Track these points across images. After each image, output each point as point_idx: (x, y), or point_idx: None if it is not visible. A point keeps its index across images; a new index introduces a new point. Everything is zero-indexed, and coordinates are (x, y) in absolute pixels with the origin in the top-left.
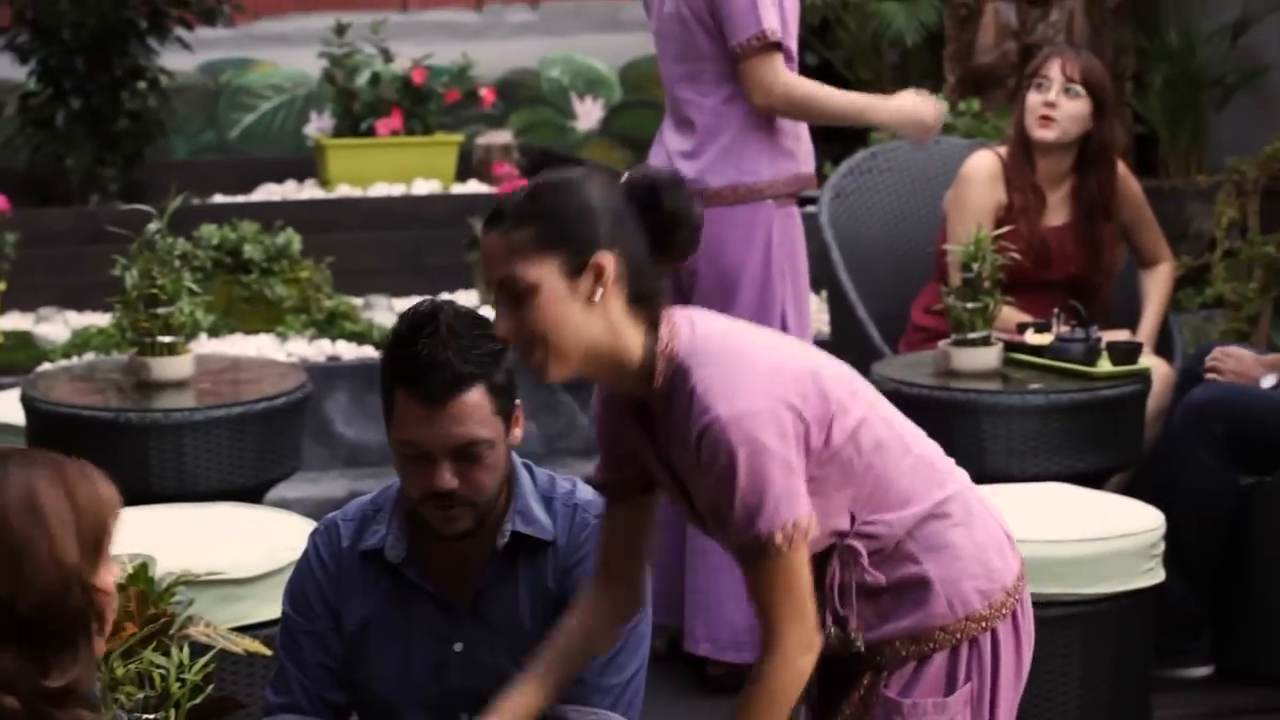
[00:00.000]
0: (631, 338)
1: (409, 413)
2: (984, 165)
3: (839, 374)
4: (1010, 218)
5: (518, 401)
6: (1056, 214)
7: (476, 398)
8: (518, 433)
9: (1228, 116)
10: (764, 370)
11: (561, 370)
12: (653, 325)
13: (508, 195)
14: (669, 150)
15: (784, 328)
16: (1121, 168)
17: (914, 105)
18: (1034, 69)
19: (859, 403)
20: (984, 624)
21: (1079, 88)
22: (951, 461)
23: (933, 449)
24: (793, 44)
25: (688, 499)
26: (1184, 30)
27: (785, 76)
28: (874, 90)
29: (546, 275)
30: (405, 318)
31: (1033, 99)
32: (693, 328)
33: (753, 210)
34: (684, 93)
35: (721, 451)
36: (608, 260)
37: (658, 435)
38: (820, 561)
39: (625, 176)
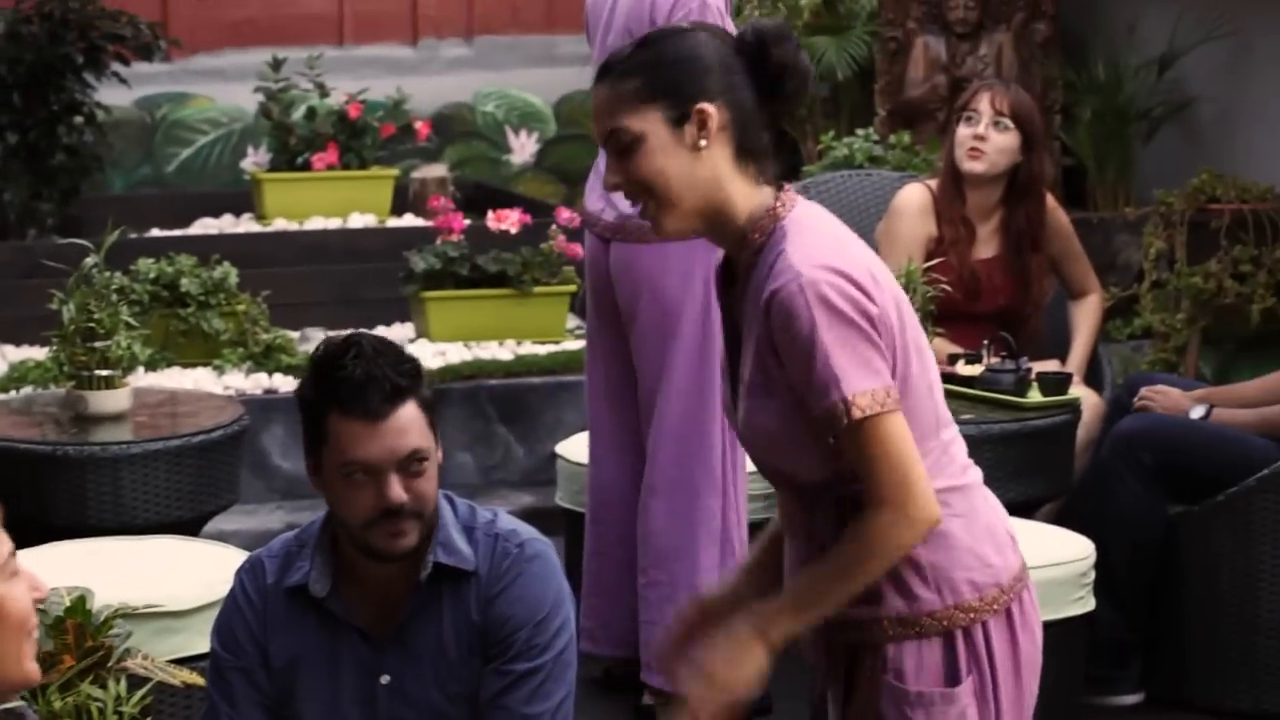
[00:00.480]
0: (738, 189)
1: (350, 433)
2: (915, 198)
3: (917, 327)
4: (940, 250)
5: (437, 419)
6: (986, 246)
7: (412, 410)
8: (439, 452)
9: (1155, 149)
10: (859, 258)
11: (674, 221)
12: (760, 181)
13: (619, 49)
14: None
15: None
16: (1050, 200)
17: None
18: (964, 102)
19: (922, 359)
20: (973, 615)
21: (1008, 121)
22: (970, 461)
23: (957, 442)
24: None
25: (730, 374)
26: (1111, 64)
27: None
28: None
29: (652, 125)
30: (322, 349)
31: (962, 132)
32: (809, 207)
33: (690, 247)
34: None
35: (798, 311)
36: (711, 109)
37: (734, 300)
38: (814, 501)
39: (738, 35)
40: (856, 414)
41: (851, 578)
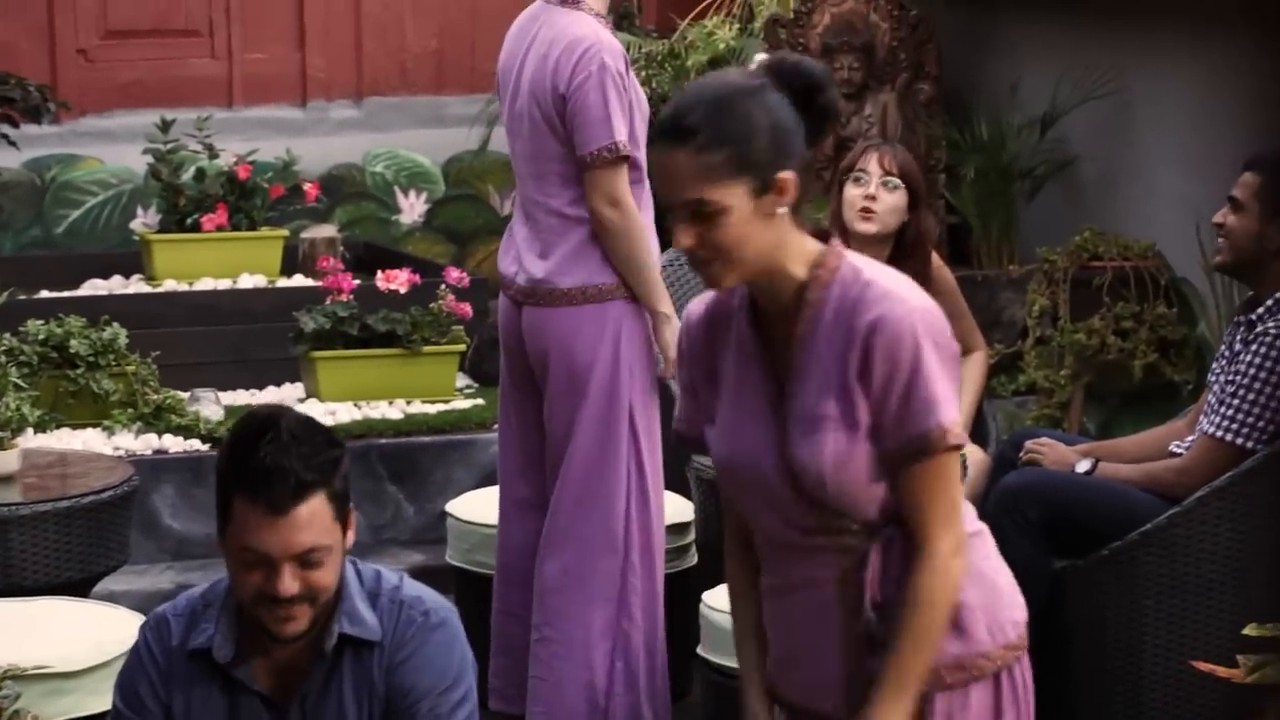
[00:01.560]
0: (795, 242)
1: (249, 520)
2: None
3: None
4: None
5: (350, 505)
6: None
7: (317, 505)
8: (351, 535)
9: (1038, 207)
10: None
11: (736, 278)
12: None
13: (685, 105)
14: (519, 244)
15: (631, 425)
16: (936, 259)
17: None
18: (851, 163)
19: None
20: (1016, 653)
21: (897, 180)
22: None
23: None
24: (641, 155)
25: (774, 413)
26: (994, 123)
27: (630, 198)
28: None
29: (738, 198)
30: (244, 423)
31: (852, 193)
32: (856, 254)
33: (602, 309)
34: (531, 190)
35: (904, 336)
36: (790, 176)
37: (777, 342)
38: (859, 551)
39: (778, 70)
40: (951, 440)
41: (932, 634)
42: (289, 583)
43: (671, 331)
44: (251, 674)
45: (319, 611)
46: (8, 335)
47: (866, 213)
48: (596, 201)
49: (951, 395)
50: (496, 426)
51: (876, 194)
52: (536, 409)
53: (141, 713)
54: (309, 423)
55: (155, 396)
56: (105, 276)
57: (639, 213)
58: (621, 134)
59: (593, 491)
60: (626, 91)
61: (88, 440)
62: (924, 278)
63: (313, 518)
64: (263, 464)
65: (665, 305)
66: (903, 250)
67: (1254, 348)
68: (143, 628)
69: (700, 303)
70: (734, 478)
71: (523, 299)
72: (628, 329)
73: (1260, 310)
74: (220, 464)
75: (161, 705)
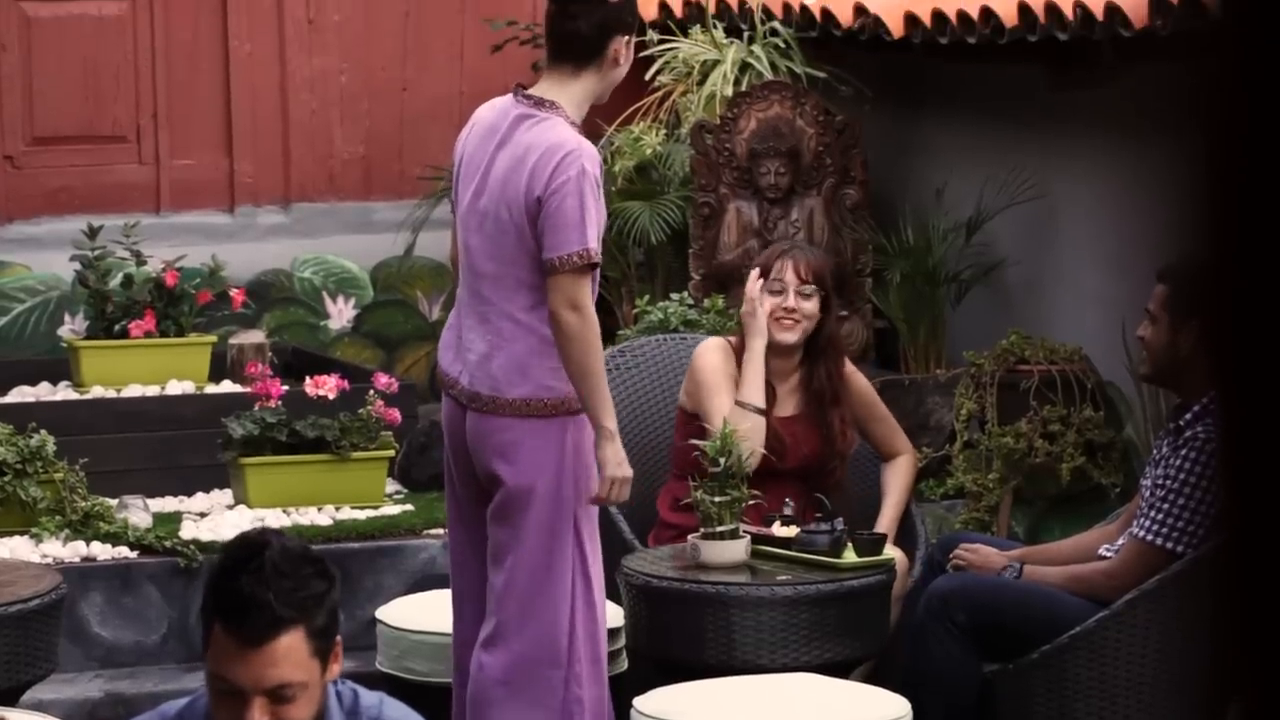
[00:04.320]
0: None
1: (224, 648)
2: (713, 344)
3: None
4: None
5: (338, 638)
6: (786, 405)
7: (293, 641)
8: (336, 668)
9: (964, 311)
10: None
11: None
12: None
13: None
14: (464, 345)
15: (576, 536)
16: (849, 365)
17: (620, 461)
18: (765, 267)
19: None
20: None
21: (813, 288)
22: None
23: None
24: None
25: None
26: (920, 227)
27: (592, 305)
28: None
29: None
30: (233, 547)
31: (769, 303)
32: None
33: (548, 424)
34: (486, 290)
35: None
36: None
37: None
38: None
39: None
40: None
41: None
42: (258, 717)
43: (614, 449)
44: None
45: None
46: None
47: (788, 323)
48: (559, 304)
49: None
50: (427, 532)
51: (795, 305)
52: (484, 508)
53: None
54: (298, 553)
55: (83, 504)
56: (33, 383)
57: (595, 323)
58: (593, 241)
59: (536, 603)
60: (601, 199)
61: (15, 548)
62: (838, 376)
63: (288, 653)
64: (241, 594)
65: (610, 420)
66: (815, 353)
67: (1183, 452)
68: None
69: None
70: None
71: (467, 402)
72: (572, 443)
73: (1188, 416)
74: (206, 585)
75: None
